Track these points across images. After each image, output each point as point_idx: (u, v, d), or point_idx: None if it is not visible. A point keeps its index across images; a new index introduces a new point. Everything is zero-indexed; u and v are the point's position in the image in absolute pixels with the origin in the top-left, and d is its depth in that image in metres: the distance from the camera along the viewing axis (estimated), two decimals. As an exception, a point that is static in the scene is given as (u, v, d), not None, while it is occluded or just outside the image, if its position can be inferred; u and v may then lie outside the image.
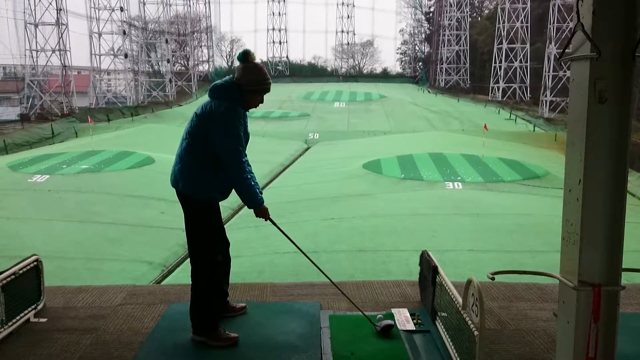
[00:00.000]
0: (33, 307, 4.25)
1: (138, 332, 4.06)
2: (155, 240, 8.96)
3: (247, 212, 9.73)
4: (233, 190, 3.89)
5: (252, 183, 3.75)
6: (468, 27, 55.46)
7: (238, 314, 4.26)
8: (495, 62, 44.34)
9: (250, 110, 3.90)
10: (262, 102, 3.88)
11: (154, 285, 6.76)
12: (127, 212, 10.61)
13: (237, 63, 3.83)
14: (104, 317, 4.30)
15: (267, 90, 3.82)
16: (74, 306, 4.53)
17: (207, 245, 3.86)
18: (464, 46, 55.02)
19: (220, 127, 3.65)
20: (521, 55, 43.27)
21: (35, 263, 4.23)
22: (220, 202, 3.99)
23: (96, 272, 7.53)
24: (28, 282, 4.17)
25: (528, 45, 42.91)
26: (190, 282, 3.91)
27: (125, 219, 10.12)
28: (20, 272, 4.03)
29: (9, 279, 3.88)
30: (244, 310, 4.33)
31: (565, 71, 34.28)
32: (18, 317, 4.03)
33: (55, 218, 10.01)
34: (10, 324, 3.93)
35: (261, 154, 17.33)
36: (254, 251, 8.10)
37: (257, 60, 3.86)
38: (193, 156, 3.76)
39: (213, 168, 3.73)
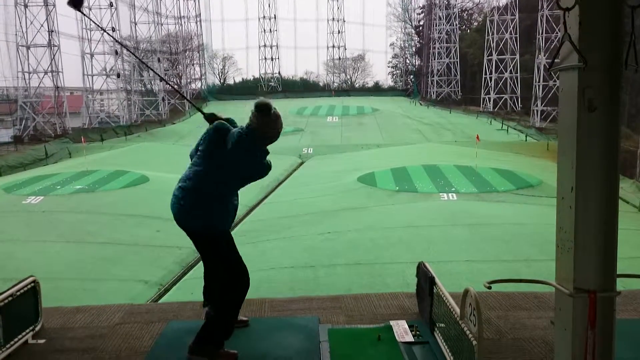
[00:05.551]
0: (31, 328, 4.23)
1: (137, 351, 4.04)
2: (151, 259, 8.93)
3: (243, 228, 9.79)
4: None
5: None
6: (458, 40, 55.92)
7: (239, 326, 4.24)
8: (485, 74, 44.68)
9: None
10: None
11: (152, 303, 6.73)
12: (122, 231, 10.58)
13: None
14: (102, 337, 4.28)
15: (274, 141, 3.84)
16: (72, 326, 4.51)
17: (233, 268, 4.01)
18: (454, 58, 55.42)
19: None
20: (511, 66, 43.64)
21: (32, 284, 4.21)
22: None
23: (92, 292, 7.50)
24: (26, 303, 4.15)
25: (517, 56, 43.26)
26: (195, 300, 3.89)
27: (120, 238, 10.09)
28: (18, 293, 4.01)
29: (6, 300, 3.87)
30: (246, 323, 4.33)
31: (555, 81, 34.55)
32: (16, 339, 4.01)
33: (50, 239, 9.97)
34: (8, 346, 3.90)
35: (255, 169, 17.29)
36: (250, 267, 8.02)
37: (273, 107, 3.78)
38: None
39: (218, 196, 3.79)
